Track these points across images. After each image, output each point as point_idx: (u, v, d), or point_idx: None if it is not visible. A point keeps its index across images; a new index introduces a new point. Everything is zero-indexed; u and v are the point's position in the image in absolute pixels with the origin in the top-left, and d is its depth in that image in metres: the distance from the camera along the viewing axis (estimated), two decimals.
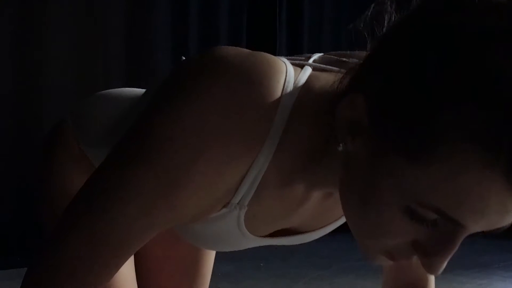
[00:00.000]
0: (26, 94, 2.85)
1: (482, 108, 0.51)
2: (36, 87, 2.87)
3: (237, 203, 0.71)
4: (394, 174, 0.57)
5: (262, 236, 0.81)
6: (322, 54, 0.77)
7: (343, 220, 0.86)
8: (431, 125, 0.53)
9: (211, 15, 3.41)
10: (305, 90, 0.68)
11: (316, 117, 0.67)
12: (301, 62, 0.72)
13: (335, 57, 0.75)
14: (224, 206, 0.71)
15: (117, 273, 0.71)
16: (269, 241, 0.83)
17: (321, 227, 0.87)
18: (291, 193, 0.74)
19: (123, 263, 0.68)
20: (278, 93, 0.65)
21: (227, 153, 0.64)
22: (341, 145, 0.62)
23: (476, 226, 0.56)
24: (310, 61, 0.73)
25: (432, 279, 0.99)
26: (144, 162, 0.63)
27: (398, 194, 0.57)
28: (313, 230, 0.87)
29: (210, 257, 1.15)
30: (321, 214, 0.83)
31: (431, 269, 0.60)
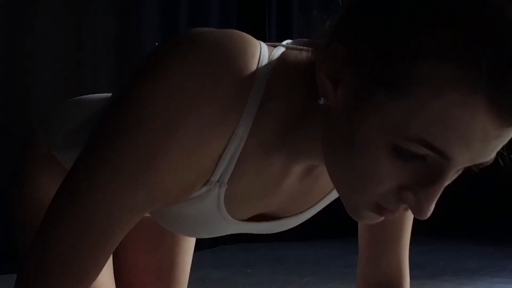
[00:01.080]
0: (11, 98, 2.82)
1: (459, 29, 0.52)
2: (21, 90, 2.83)
3: (217, 181, 0.71)
4: (378, 112, 0.57)
5: (242, 220, 0.81)
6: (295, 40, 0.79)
7: (319, 206, 0.87)
8: (407, 50, 0.54)
9: (201, 16, 3.40)
10: (279, 63, 0.69)
11: (293, 87, 0.68)
12: (274, 43, 0.74)
13: (307, 40, 0.76)
14: (205, 185, 0.71)
15: (96, 281, 0.70)
16: (248, 226, 0.83)
17: (299, 213, 0.86)
18: (271, 168, 0.74)
19: (107, 256, 0.67)
20: (253, 66, 0.66)
21: (203, 123, 0.64)
22: (322, 99, 0.63)
23: (462, 158, 0.56)
24: (283, 43, 0.75)
25: (406, 279, 0.97)
26: (122, 137, 0.63)
27: (384, 133, 0.57)
28: (291, 216, 0.86)
29: (187, 265, 1.16)
30: (299, 196, 0.83)
31: (420, 212, 0.60)
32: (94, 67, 3.02)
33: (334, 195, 0.87)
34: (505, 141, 0.57)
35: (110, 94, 0.96)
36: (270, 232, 0.88)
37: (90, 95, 1.03)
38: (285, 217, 0.86)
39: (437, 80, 0.53)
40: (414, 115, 0.55)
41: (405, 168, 0.59)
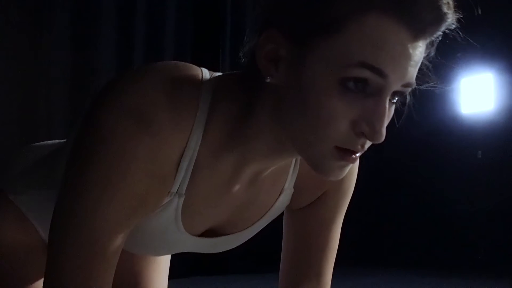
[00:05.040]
0: None
1: None
2: None
3: (176, 192, 0.78)
4: (319, 58, 0.67)
5: (196, 236, 0.86)
6: None
7: (264, 221, 0.93)
8: None
9: (157, 50, 3.39)
10: (221, 76, 0.79)
11: (236, 90, 0.77)
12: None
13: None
14: (167, 196, 0.78)
15: None
16: (201, 242, 0.88)
17: (247, 228, 0.92)
18: (223, 173, 0.80)
19: (106, 272, 0.73)
20: (198, 81, 0.75)
21: (157, 136, 0.71)
22: (268, 78, 0.71)
23: (394, 76, 0.66)
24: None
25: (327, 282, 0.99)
26: (90, 163, 0.71)
27: (329, 73, 0.67)
28: (239, 231, 0.92)
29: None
30: (246, 206, 0.88)
31: (375, 134, 0.68)
32: (47, 99, 2.96)
33: (275, 212, 0.92)
34: (421, 57, 0.69)
35: (60, 140, 1.02)
36: (219, 250, 0.93)
37: (41, 142, 1.10)
38: (234, 232, 0.91)
39: (357, 8, 0.65)
40: (348, 44, 0.65)
41: (353, 101, 0.67)
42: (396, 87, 0.69)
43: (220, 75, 0.80)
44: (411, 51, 0.67)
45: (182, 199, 0.79)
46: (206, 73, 0.78)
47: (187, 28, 3.56)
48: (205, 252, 0.93)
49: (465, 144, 4.06)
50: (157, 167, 0.73)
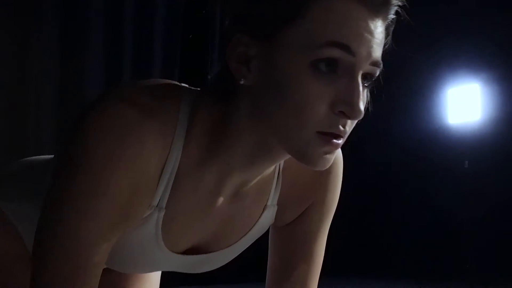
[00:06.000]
0: None
1: None
2: None
3: (156, 205, 0.78)
4: (288, 47, 0.69)
5: (177, 253, 0.85)
6: None
7: (248, 238, 0.92)
8: None
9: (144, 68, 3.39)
10: (200, 90, 0.81)
11: (213, 102, 0.78)
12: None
13: None
14: (148, 209, 0.78)
15: None
16: (184, 260, 0.88)
17: (230, 245, 0.91)
18: (205, 186, 0.80)
19: (89, 285, 0.73)
20: (178, 96, 0.77)
21: (139, 149, 0.72)
22: (242, 80, 0.73)
23: (362, 52, 0.69)
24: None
25: None
26: (72, 178, 0.72)
27: (300, 59, 0.69)
28: (223, 249, 0.90)
29: None
30: (229, 221, 0.87)
31: (353, 110, 0.70)
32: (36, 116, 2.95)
33: (259, 229, 0.91)
34: (382, 37, 0.72)
35: (50, 156, 1.02)
36: (203, 269, 0.92)
37: (33, 157, 1.11)
38: (218, 250, 0.90)
39: None
40: (313, 27, 0.68)
41: (327, 83, 0.69)
42: (365, 66, 0.71)
43: (199, 89, 0.81)
44: (372, 27, 0.70)
45: (162, 213, 0.79)
46: (186, 89, 0.80)
47: (176, 34, 3.56)
48: (189, 272, 0.93)
49: (452, 154, 4.09)
50: (138, 179, 0.73)
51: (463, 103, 4.11)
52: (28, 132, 2.92)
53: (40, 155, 1.12)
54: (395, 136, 4.25)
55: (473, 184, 3.94)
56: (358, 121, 0.73)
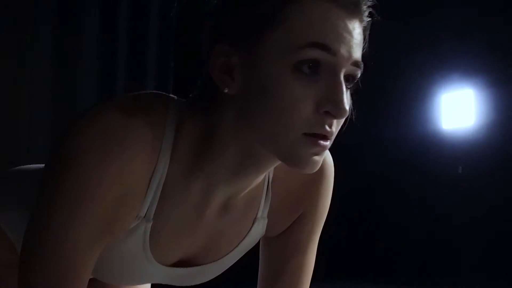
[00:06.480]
0: None
1: None
2: None
3: (144, 217, 0.78)
4: (270, 51, 0.70)
5: (166, 265, 0.85)
6: None
7: (237, 252, 0.92)
8: None
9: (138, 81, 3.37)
10: (186, 102, 0.81)
11: (199, 113, 0.79)
12: None
13: None
14: (135, 219, 0.78)
15: None
16: (173, 272, 0.87)
17: (218, 259, 0.91)
18: (192, 198, 0.80)
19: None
20: (165, 108, 0.78)
21: (126, 159, 0.73)
22: (226, 89, 0.73)
23: (342, 52, 0.70)
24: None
25: None
26: (60, 185, 0.72)
27: (282, 62, 0.70)
28: (211, 262, 0.91)
29: None
30: (218, 235, 0.87)
31: (339, 109, 0.70)
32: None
33: (249, 242, 0.91)
34: (361, 38, 0.73)
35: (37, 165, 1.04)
36: (193, 282, 0.92)
37: (24, 166, 1.12)
38: (208, 263, 0.90)
39: (295, 2, 0.69)
40: (293, 30, 0.69)
41: (310, 84, 0.70)
42: (347, 66, 0.72)
43: (185, 100, 0.82)
44: (351, 27, 0.71)
45: (150, 224, 0.79)
46: (173, 100, 0.81)
47: (170, 38, 3.55)
48: (179, 285, 0.93)
49: (446, 160, 4.09)
50: (126, 188, 0.74)
51: (457, 109, 4.11)
52: (21, 135, 2.90)
53: (31, 163, 1.13)
54: (389, 142, 4.25)
55: (467, 189, 3.94)
56: (344, 123, 0.74)
